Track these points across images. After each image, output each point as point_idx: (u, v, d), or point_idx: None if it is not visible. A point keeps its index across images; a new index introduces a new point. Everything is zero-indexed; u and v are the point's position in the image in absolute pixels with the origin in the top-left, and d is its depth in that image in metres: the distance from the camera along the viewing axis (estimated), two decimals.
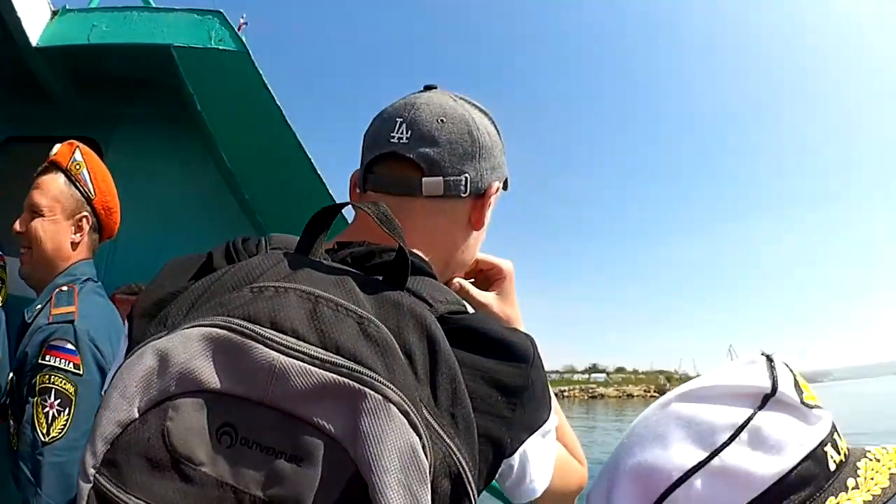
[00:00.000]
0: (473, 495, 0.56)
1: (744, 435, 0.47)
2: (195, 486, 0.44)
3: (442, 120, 0.81)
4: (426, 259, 0.72)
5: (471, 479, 0.56)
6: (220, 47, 2.22)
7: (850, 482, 0.50)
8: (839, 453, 0.51)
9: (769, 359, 0.53)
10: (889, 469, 0.52)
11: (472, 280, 0.95)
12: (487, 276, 0.95)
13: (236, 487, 0.43)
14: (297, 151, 2.35)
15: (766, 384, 0.50)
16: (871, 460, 0.54)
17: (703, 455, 0.46)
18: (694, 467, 0.46)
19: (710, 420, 0.47)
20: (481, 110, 0.88)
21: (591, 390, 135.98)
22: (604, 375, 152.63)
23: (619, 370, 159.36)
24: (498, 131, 0.90)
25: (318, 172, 2.39)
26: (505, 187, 0.93)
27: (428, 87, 0.87)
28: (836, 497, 0.49)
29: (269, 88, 2.26)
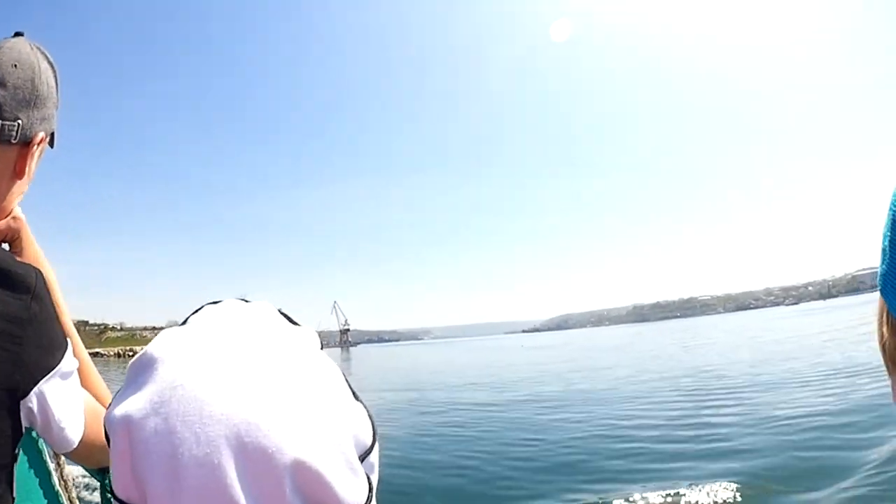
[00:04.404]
0: None
1: None
2: None
3: (15, 65, 0.85)
4: None
5: None
6: None
7: None
8: None
9: None
10: None
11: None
12: (12, 230, 0.96)
13: None
14: None
15: None
16: None
17: None
18: None
19: None
20: (49, 62, 0.92)
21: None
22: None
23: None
24: (57, 85, 0.94)
25: None
26: (52, 144, 0.96)
27: (17, 34, 0.91)
28: None
29: None
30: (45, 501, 1.02)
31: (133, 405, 0.43)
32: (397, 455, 9.64)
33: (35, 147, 0.88)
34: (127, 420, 0.43)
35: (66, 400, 0.75)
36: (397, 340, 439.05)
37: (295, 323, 0.54)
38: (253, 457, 0.40)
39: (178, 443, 0.41)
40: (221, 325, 0.49)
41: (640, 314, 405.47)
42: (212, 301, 0.55)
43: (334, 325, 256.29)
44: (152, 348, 0.47)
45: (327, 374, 0.49)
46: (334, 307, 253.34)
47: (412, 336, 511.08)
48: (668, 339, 49.83)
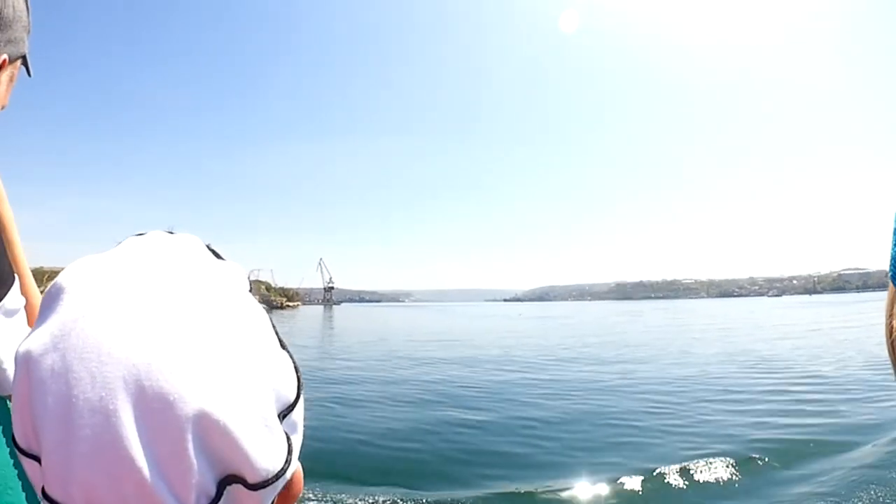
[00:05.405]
0: None
1: None
2: None
3: None
4: None
5: None
6: None
7: None
8: None
9: None
10: None
11: None
12: None
13: None
14: None
15: None
16: None
17: None
18: None
19: None
20: None
21: None
22: None
23: None
24: (28, 10, 0.90)
25: None
26: (28, 72, 0.94)
27: None
28: None
29: None
30: (4, 439, 1.03)
31: (35, 341, 0.38)
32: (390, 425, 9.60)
33: (0, 71, 0.84)
34: (27, 357, 0.38)
35: (9, 339, 0.70)
36: (378, 301, 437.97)
37: (221, 258, 0.48)
38: (152, 404, 0.35)
39: (74, 383, 0.36)
40: (138, 257, 0.44)
41: (623, 292, 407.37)
42: (137, 233, 0.49)
43: (318, 283, 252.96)
44: (61, 277, 0.42)
45: (249, 316, 0.43)
46: (320, 264, 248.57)
47: (393, 298, 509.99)
48: (666, 318, 52.22)
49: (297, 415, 0.44)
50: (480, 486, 6.92)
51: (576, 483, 6.85)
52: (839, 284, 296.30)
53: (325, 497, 6.35)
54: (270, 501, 0.41)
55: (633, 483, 6.82)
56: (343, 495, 6.42)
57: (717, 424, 9.33)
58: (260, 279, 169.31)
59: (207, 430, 0.36)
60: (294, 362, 0.46)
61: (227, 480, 0.37)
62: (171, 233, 0.50)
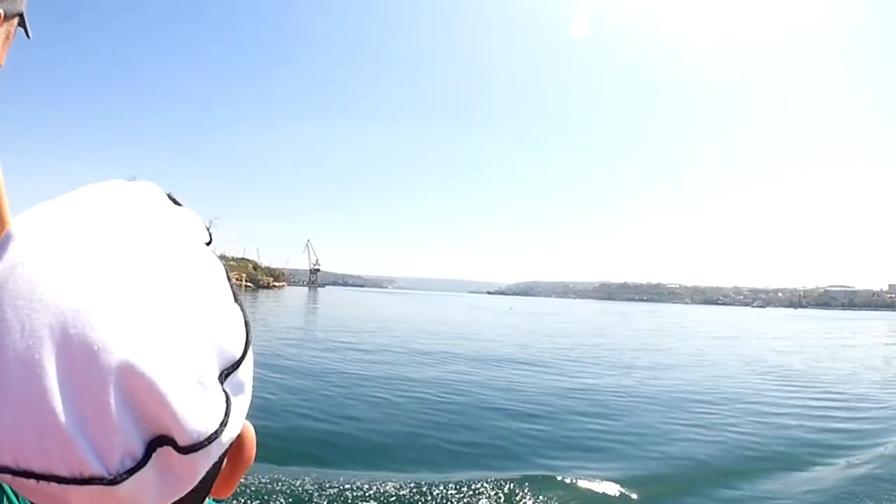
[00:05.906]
0: None
1: None
2: None
3: None
4: None
5: None
6: None
7: None
8: None
9: None
10: None
11: None
12: None
13: None
14: None
15: None
16: None
17: None
18: None
19: None
20: None
21: None
22: None
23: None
24: None
25: None
26: (27, 33, 0.92)
27: None
28: None
29: None
30: None
31: None
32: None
33: None
34: None
35: None
36: (362, 286, 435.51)
37: (180, 205, 0.46)
38: (76, 354, 0.32)
39: (5, 332, 0.33)
40: (89, 202, 0.40)
41: (607, 292, 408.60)
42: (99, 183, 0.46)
43: (304, 264, 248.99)
44: (13, 223, 0.39)
45: (198, 266, 0.40)
46: (307, 245, 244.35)
47: (377, 283, 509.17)
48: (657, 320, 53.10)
49: (244, 374, 0.40)
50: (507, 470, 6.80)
51: (604, 481, 6.64)
52: (825, 300, 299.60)
53: (304, 478, 6.00)
54: (210, 467, 0.37)
55: (659, 485, 6.73)
56: (320, 476, 6.12)
57: (760, 432, 9.23)
58: (247, 257, 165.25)
59: (131, 383, 0.32)
60: (246, 318, 0.42)
61: (157, 442, 0.33)
62: (133, 180, 0.47)
